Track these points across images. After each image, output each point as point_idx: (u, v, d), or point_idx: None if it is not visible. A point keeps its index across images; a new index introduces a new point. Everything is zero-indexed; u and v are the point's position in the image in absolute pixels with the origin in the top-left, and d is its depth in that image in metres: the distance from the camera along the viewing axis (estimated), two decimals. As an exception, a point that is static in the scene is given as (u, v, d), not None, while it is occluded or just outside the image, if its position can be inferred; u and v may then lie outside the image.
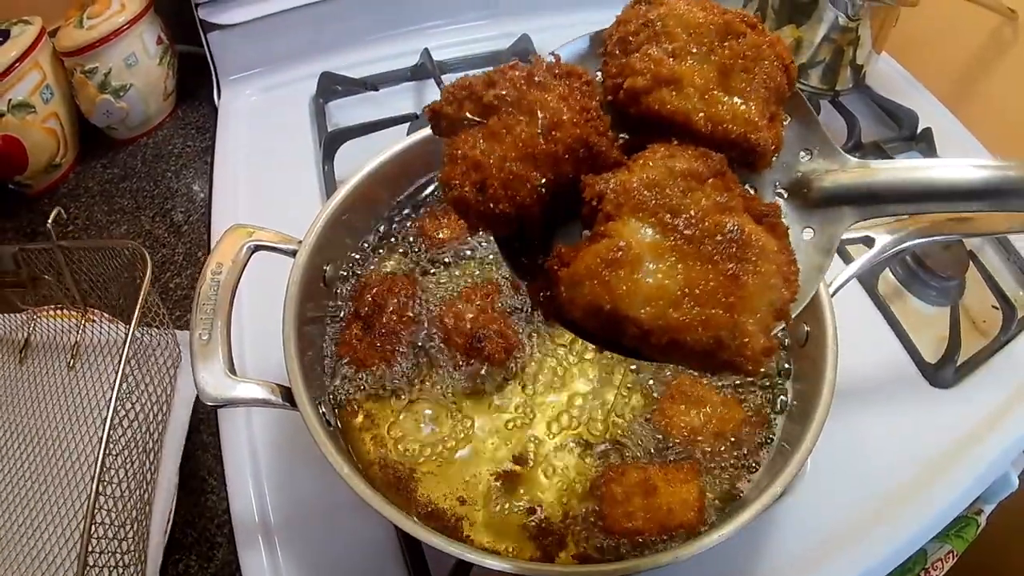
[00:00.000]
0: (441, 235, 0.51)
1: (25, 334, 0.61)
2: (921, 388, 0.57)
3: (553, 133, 0.24)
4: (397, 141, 0.50)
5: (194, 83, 0.76)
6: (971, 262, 0.61)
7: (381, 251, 0.51)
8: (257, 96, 0.71)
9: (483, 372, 0.46)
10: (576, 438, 0.45)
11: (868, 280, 0.62)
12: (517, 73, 0.26)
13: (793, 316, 0.23)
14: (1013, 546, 0.75)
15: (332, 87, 0.67)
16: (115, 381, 0.43)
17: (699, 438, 0.45)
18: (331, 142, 0.61)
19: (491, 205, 0.24)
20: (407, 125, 0.62)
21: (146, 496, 0.47)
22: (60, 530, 0.48)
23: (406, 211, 0.52)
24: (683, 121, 0.25)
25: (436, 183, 0.52)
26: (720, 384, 0.47)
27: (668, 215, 0.23)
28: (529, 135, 0.24)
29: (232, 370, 0.41)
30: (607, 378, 0.47)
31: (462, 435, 0.45)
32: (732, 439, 0.45)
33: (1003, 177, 0.26)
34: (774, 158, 0.26)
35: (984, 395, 0.56)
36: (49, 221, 0.54)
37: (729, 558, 0.47)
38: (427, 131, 0.49)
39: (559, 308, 0.23)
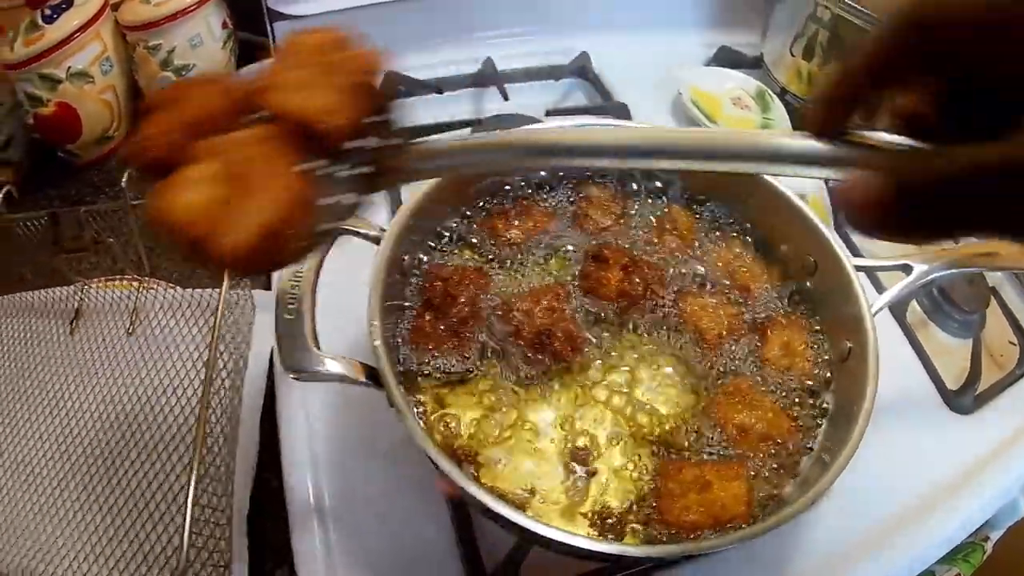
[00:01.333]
0: (511, 235, 0.53)
1: (76, 304, 0.61)
2: (941, 413, 0.60)
3: None
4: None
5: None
6: (992, 298, 0.65)
7: (455, 245, 0.53)
8: (320, 88, 0.72)
9: (550, 368, 0.48)
10: (635, 433, 0.47)
11: (898, 309, 0.65)
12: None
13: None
14: (1018, 573, 0.78)
15: (396, 87, 0.69)
16: (211, 341, 0.45)
17: (748, 438, 0.47)
18: (398, 139, 0.62)
19: None
20: (469, 129, 0.64)
21: (232, 451, 0.49)
22: (159, 485, 0.50)
23: (479, 209, 0.54)
24: (279, 111, 0.30)
25: (508, 185, 0.55)
26: (772, 391, 0.49)
27: (223, 159, 0.29)
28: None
29: (317, 345, 0.42)
30: (665, 378, 0.49)
31: (526, 427, 0.47)
32: (777, 443, 0.47)
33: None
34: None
35: (999, 423, 0.59)
36: (123, 180, 0.54)
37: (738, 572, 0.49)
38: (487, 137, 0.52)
39: None
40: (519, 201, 0.55)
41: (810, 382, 0.50)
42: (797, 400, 0.49)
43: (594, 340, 0.49)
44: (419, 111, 0.68)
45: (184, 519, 0.39)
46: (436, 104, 0.69)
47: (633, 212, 0.56)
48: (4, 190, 0.57)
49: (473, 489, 0.38)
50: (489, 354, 0.48)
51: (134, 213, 0.58)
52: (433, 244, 0.52)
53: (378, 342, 0.42)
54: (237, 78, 0.36)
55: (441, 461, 0.39)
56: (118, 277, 0.62)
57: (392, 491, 0.50)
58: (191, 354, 0.56)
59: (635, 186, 0.57)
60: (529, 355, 0.47)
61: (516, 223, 0.53)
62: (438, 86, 0.69)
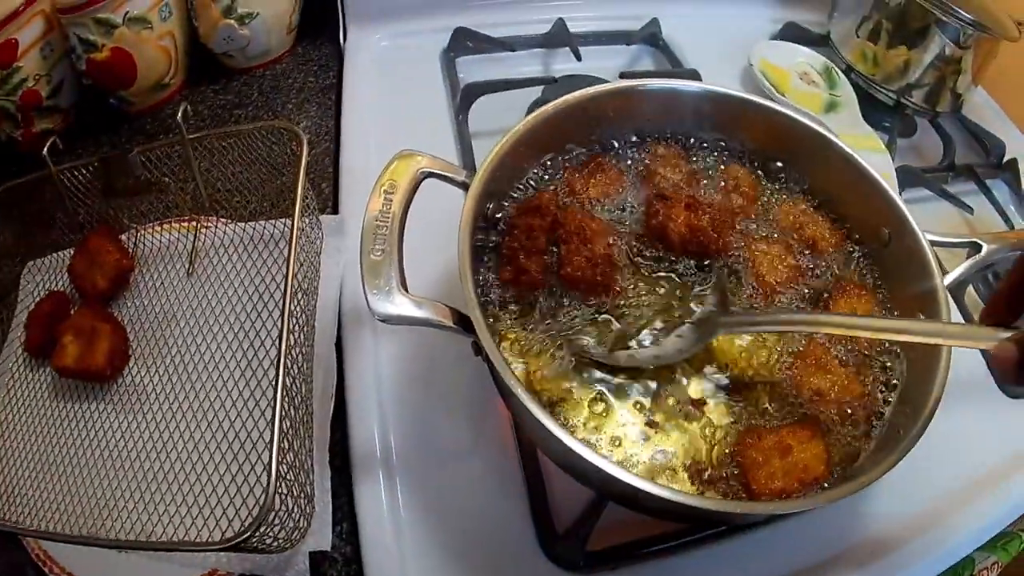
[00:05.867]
0: (590, 192, 0.52)
1: (131, 249, 0.59)
2: (995, 396, 0.58)
3: None
4: (559, 96, 0.51)
5: (313, 23, 0.76)
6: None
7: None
8: (387, 42, 0.71)
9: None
10: (717, 388, 0.46)
11: (957, 292, 0.64)
12: None
13: None
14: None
15: (464, 43, 0.68)
16: (287, 272, 0.44)
17: (822, 402, 0.46)
18: (468, 94, 0.62)
19: None
20: (542, 88, 0.63)
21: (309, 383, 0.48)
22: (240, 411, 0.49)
23: (558, 164, 0.53)
24: None
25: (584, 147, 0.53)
26: (844, 357, 0.48)
27: None
28: None
29: (405, 287, 0.41)
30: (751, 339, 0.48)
31: (599, 379, 0.45)
32: (849, 411, 0.47)
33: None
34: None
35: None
36: (179, 115, 0.53)
37: (780, 547, 0.48)
38: (580, 93, 0.51)
39: None
40: (594, 158, 0.54)
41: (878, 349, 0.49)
42: (871, 370, 0.48)
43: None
44: (492, 68, 0.67)
45: (271, 445, 0.38)
46: (508, 62, 0.68)
47: (700, 167, 0.56)
48: (50, 140, 0.56)
49: (563, 436, 0.37)
50: (566, 302, 0.47)
51: (193, 148, 0.56)
52: (515, 195, 0.51)
53: (470, 288, 0.41)
54: None
55: (533, 407, 0.38)
56: (172, 219, 0.60)
57: (462, 445, 0.50)
58: (256, 288, 0.55)
59: (704, 144, 0.57)
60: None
61: (592, 179, 0.52)
62: (511, 44, 0.68)
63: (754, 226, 0.53)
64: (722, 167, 0.56)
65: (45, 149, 0.55)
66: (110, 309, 0.56)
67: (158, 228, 0.60)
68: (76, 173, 0.58)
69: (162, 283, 0.58)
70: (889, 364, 0.48)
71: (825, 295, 0.50)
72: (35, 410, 0.53)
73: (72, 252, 0.58)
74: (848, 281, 0.52)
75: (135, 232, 0.60)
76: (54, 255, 0.61)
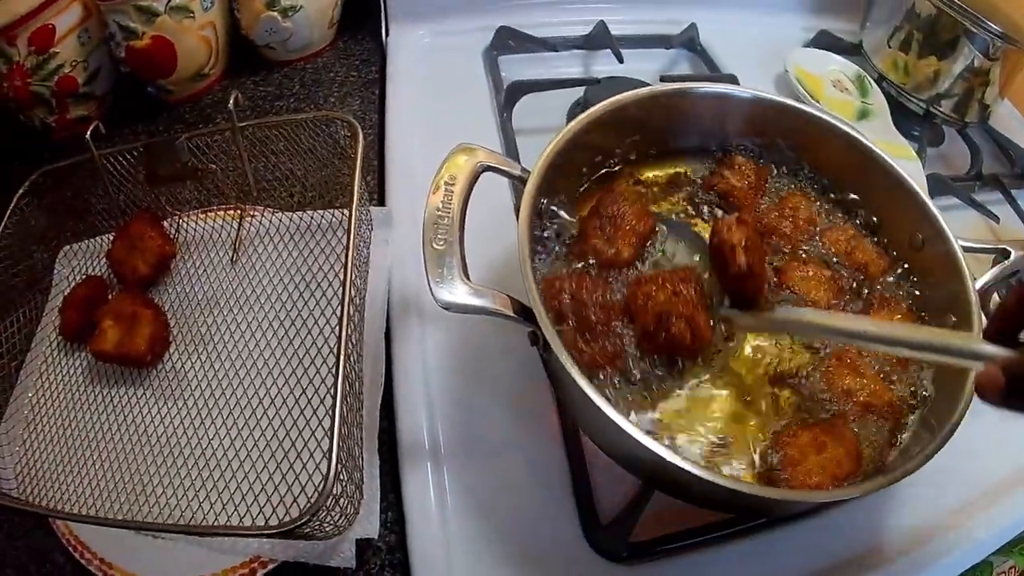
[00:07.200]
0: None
1: (174, 236, 0.59)
2: None
3: None
4: (614, 96, 0.51)
5: (354, 18, 0.76)
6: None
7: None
8: (430, 39, 0.72)
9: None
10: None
11: (984, 297, 0.65)
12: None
13: None
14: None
15: (506, 42, 0.68)
16: (345, 260, 0.44)
17: (852, 402, 0.47)
18: (513, 92, 0.62)
19: None
20: (584, 88, 0.64)
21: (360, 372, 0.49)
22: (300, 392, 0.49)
23: (608, 167, 0.54)
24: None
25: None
26: (874, 363, 0.49)
27: None
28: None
29: (467, 276, 0.42)
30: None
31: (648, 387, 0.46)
32: (876, 415, 0.48)
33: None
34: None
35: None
36: (230, 103, 0.53)
37: (809, 543, 0.49)
38: (632, 93, 0.51)
39: None
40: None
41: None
42: (900, 378, 0.49)
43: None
44: (533, 67, 0.67)
45: (332, 431, 0.38)
46: (549, 62, 0.69)
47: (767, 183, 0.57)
48: (93, 125, 0.56)
49: (622, 422, 0.37)
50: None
51: (243, 136, 0.56)
52: (564, 195, 0.51)
53: (531, 279, 0.42)
54: None
55: (592, 393, 0.38)
56: (216, 207, 0.60)
57: (508, 436, 0.50)
58: (303, 277, 0.55)
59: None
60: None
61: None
62: (553, 44, 0.68)
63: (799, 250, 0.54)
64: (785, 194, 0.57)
65: (88, 133, 0.55)
66: (150, 295, 0.56)
67: (201, 216, 0.60)
68: (119, 158, 0.58)
69: (204, 270, 0.58)
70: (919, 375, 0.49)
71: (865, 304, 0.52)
72: (70, 395, 0.53)
73: (110, 238, 0.58)
74: (886, 294, 0.53)
75: (177, 219, 0.60)
76: (90, 240, 0.61)
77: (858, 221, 0.56)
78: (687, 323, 0.44)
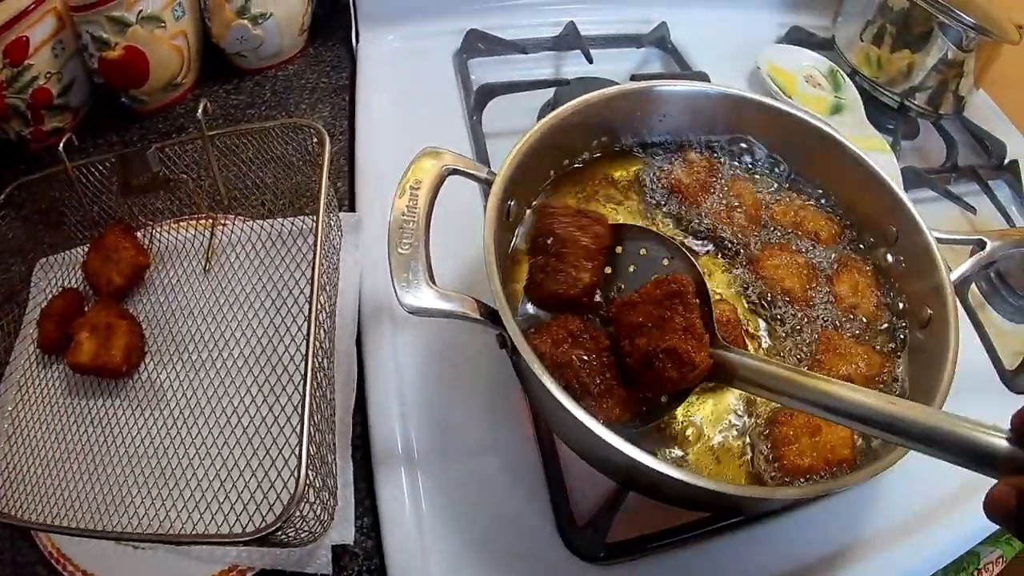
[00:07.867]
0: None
1: (147, 246, 0.59)
2: (997, 391, 0.61)
3: None
4: (582, 95, 0.51)
5: (324, 24, 0.76)
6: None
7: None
8: (399, 43, 0.72)
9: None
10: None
11: (961, 289, 0.66)
12: None
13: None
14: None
15: (476, 45, 0.69)
16: (313, 266, 0.44)
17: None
18: (482, 95, 0.62)
19: None
20: (554, 90, 0.64)
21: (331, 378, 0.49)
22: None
23: (577, 166, 0.54)
24: None
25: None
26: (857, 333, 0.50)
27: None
28: None
29: (432, 280, 0.42)
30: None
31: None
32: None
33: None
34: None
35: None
36: (199, 111, 0.53)
37: (792, 537, 0.49)
38: (599, 93, 0.51)
39: None
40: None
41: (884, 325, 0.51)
42: (882, 374, 0.49)
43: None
44: (503, 70, 0.68)
45: (301, 436, 0.38)
46: (519, 64, 0.69)
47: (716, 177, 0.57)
48: (65, 137, 0.56)
49: (590, 422, 0.37)
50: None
51: (213, 145, 0.56)
52: (534, 198, 0.52)
53: (497, 282, 0.42)
54: None
55: (559, 395, 0.38)
56: (188, 217, 0.60)
57: (482, 439, 0.50)
58: (275, 285, 0.55)
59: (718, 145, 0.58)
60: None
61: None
62: (523, 47, 0.69)
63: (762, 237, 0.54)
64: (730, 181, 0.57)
65: (61, 145, 0.55)
66: (125, 306, 0.56)
67: (174, 225, 0.60)
68: (92, 169, 0.58)
69: (178, 280, 0.58)
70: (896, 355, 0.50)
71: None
72: (48, 407, 0.53)
73: (85, 249, 0.58)
74: (848, 257, 0.53)
75: (151, 229, 0.60)
76: (66, 252, 0.61)
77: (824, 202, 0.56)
78: (674, 361, 0.41)
